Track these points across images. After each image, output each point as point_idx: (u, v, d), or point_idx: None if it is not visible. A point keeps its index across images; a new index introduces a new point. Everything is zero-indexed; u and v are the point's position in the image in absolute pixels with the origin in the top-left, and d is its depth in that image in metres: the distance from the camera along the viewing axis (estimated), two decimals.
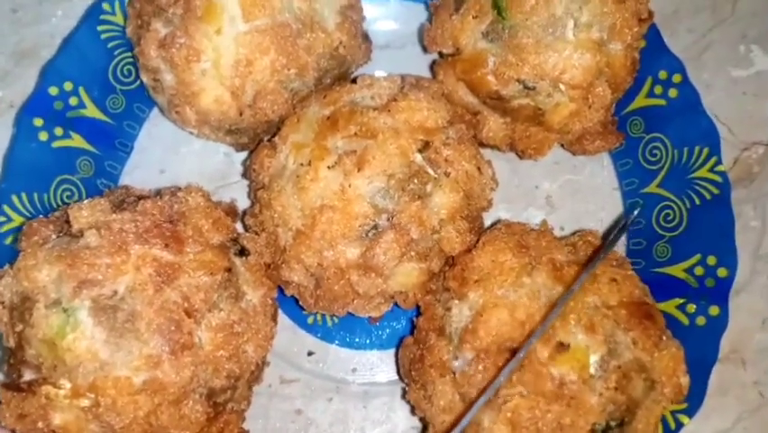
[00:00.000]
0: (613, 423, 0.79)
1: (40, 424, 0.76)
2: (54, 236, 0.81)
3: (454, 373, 0.85)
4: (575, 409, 0.78)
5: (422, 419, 0.91)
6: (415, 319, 0.95)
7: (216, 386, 0.81)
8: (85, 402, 0.75)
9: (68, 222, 0.81)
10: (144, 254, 0.78)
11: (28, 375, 0.76)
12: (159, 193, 0.88)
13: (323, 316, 1.06)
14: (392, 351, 1.04)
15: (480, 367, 0.81)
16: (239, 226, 0.97)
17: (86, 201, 0.82)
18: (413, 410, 0.93)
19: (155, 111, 1.12)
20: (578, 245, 0.92)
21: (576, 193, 1.11)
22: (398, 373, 1.00)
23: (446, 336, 0.87)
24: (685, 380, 0.83)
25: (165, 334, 0.76)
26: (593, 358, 0.79)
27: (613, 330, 0.81)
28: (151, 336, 0.76)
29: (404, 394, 0.97)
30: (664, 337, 0.83)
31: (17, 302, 0.78)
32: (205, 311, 0.80)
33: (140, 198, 0.86)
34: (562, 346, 0.79)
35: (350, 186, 0.87)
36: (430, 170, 0.90)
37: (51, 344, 0.74)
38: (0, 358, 1.01)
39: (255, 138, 1.03)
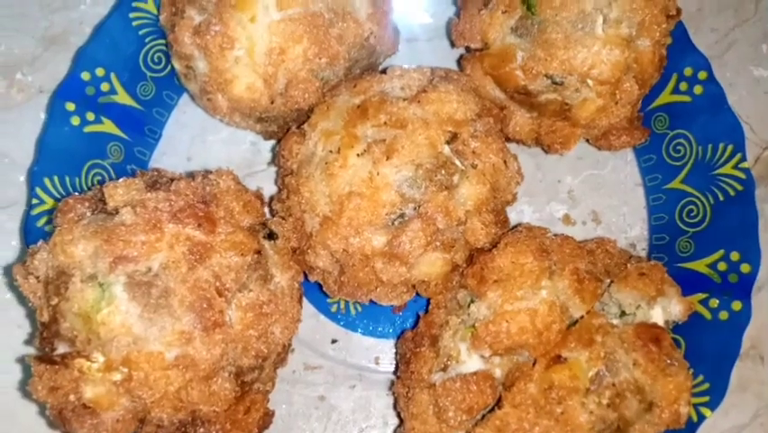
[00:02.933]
0: None
1: (71, 397, 0.77)
2: (89, 213, 0.83)
3: (434, 386, 0.85)
4: (563, 424, 0.77)
5: (399, 415, 0.92)
6: (421, 314, 0.96)
7: (245, 365, 0.82)
8: (117, 376, 0.76)
9: (102, 200, 0.82)
10: (178, 233, 0.79)
11: (61, 348, 0.78)
12: (191, 175, 0.90)
13: (346, 304, 1.07)
14: None
15: (460, 385, 0.81)
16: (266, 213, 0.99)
17: (121, 180, 0.83)
18: (395, 405, 0.93)
19: (183, 99, 1.13)
20: (596, 254, 0.90)
21: (599, 188, 1.12)
22: None
23: (436, 349, 0.88)
24: (686, 410, 0.81)
25: (197, 311, 0.77)
26: (589, 373, 0.79)
27: (614, 348, 0.80)
28: (184, 313, 0.77)
29: (391, 385, 0.99)
30: (674, 363, 0.81)
31: (53, 276, 0.79)
32: (236, 291, 0.81)
33: (172, 179, 0.87)
34: (560, 359, 0.78)
35: (378, 174, 0.88)
36: (457, 162, 0.91)
37: (86, 317, 0.76)
38: (33, 332, 1.03)
39: (284, 126, 1.04)
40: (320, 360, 1.05)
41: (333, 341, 1.06)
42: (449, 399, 0.81)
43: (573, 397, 0.76)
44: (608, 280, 0.85)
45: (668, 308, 0.87)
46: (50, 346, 0.78)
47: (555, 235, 0.91)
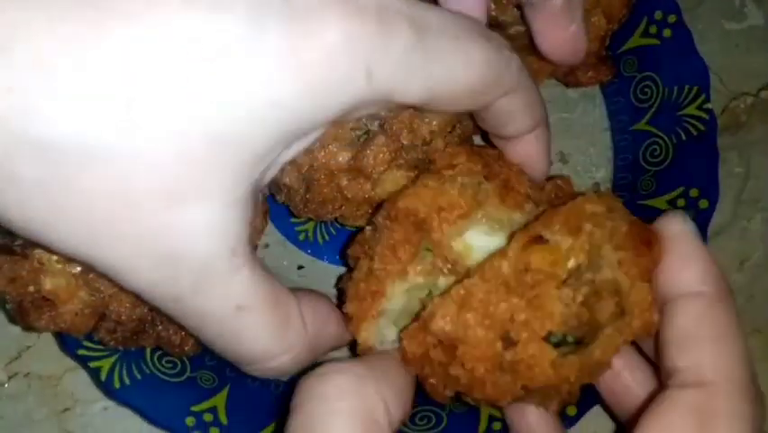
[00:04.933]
0: (570, 338, 0.69)
1: (31, 288, 0.78)
2: None
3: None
4: (535, 308, 0.67)
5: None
6: None
7: None
8: (76, 268, 0.77)
9: None
10: None
11: (21, 239, 0.79)
12: None
13: (314, 233, 1.09)
14: None
15: (386, 227, 0.75)
16: None
17: None
18: (339, 296, 0.88)
19: None
20: (545, 188, 0.82)
21: (567, 130, 1.14)
22: None
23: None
24: (657, 317, 0.72)
25: None
26: (569, 263, 0.69)
27: (602, 243, 0.71)
28: None
29: (337, 282, 1.00)
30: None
31: None
32: None
33: None
34: (540, 240, 0.69)
35: None
36: None
37: None
38: None
39: None
40: (286, 285, 1.05)
41: (300, 267, 1.08)
42: (376, 245, 0.76)
43: (549, 283, 0.67)
44: (542, 209, 0.77)
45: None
46: (9, 236, 0.79)
47: (505, 158, 0.83)
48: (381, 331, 0.74)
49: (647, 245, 0.73)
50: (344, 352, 0.97)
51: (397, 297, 0.72)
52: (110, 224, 0.53)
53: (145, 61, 0.49)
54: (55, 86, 0.48)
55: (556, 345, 0.68)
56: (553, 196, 0.81)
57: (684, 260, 0.67)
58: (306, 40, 0.53)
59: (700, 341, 0.62)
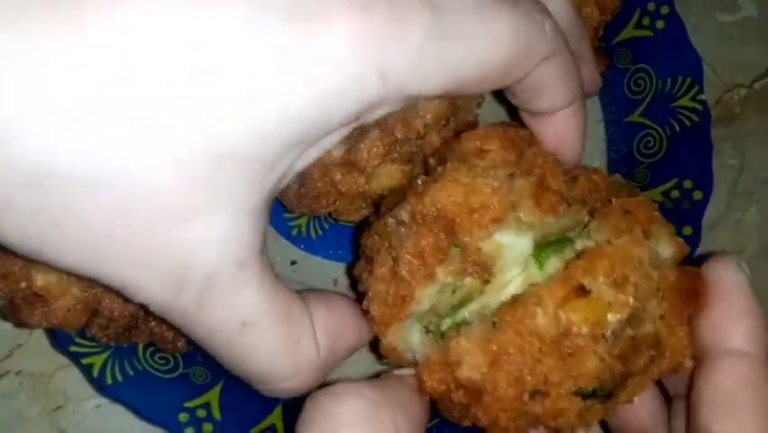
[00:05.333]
0: (600, 392, 0.66)
1: (22, 284, 0.77)
2: None
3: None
4: (569, 367, 0.63)
5: (360, 296, 0.77)
6: None
7: None
8: None
9: None
10: None
11: None
12: None
13: (307, 228, 1.08)
14: None
15: (414, 229, 0.68)
16: None
17: None
18: (353, 285, 0.85)
19: None
20: (579, 180, 0.73)
21: None
22: None
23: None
24: (690, 363, 0.67)
25: None
26: (611, 318, 0.63)
27: (648, 296, 0.65)
28: None
29: (348, 269, 0.97)
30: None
31: None
32: None
33: None
34: (582, 292, 0.63)
35: None
36: None
37: None
38: None
39: None
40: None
41: (293, 262, 1.07)
42: (401, 246, 0.69)
43: (588, 342, 0.62)
44: (585, 211, 0.70)
45: (656, 251, 0.72)
46: None
47: (537, 144, 0.76)
48: (407, 332, 0.72)
49: (694, 296, 0.67)
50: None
51: (426, 299, 0.69)
52: (111, 243, 0.51)
53: (142, 75, 0.46)
54: (47, 110, 0.46)
55: (584, 397, 0.66)
56: (587, 192, 0.74)
57: (734, 316, 0.61)
58: (311, 40, 0.48)
59: (742, 410, 0.57)
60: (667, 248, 0.72)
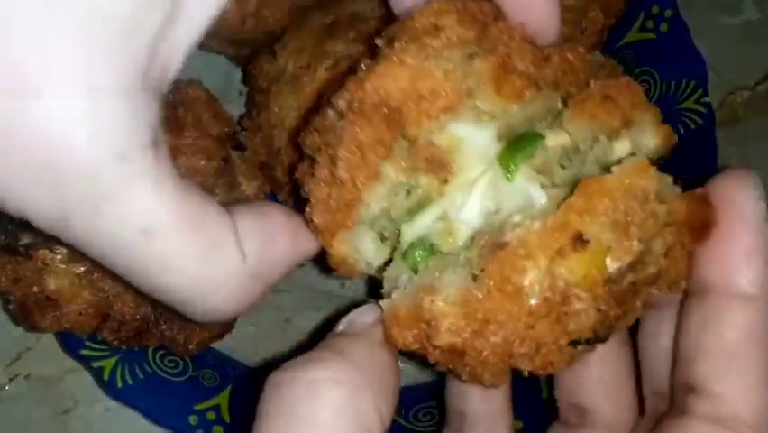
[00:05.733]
0: (594, 340, 0.58)
1: (35, 288, 0.78)
2: None
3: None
4: (564, 325, 0.53)
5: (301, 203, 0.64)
6: None
7: None
8: (80, 268, 0.77)
9: None
10: None
11: (25, 239, 0.78)
12: None
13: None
14: None
15: (351, 119, 0.56)
16: None
17: None
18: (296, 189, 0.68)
19: None
20: (551, 60, 0.60)
21: None
22: None
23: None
24: (684, 284, 0.58)
25: None
26: (612, 265, 0.53)
27: (653, 237, 0.54)
28: None
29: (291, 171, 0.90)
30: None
31: None
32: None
33: None
34: (580, 242, 0.52)
35: None
36: None
37: None
38: None
39: (256, 51, 1.05)
40: (286, 284, 1.06)
41: (300, 266, 1.07)
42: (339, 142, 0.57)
43: (585, 299, 0.53)
44: (557, 96, 0.59)
45: (638, 141, 0.61)
46: (13, 237, 0.79)
47: (504, 20, 0.60)
48: (358, 240, 0.62)
49: (705, 229, 0.57)
50: None
51: (375, 202, 0.59)
52: None
53: None
54: None
55: (576, 344, 0.57)
56: (560, 74, 0.61)
57: (745, 254, 0.52)
58: None
59: (747, 368, 0.50)
60: (651, 138, 0.62)
